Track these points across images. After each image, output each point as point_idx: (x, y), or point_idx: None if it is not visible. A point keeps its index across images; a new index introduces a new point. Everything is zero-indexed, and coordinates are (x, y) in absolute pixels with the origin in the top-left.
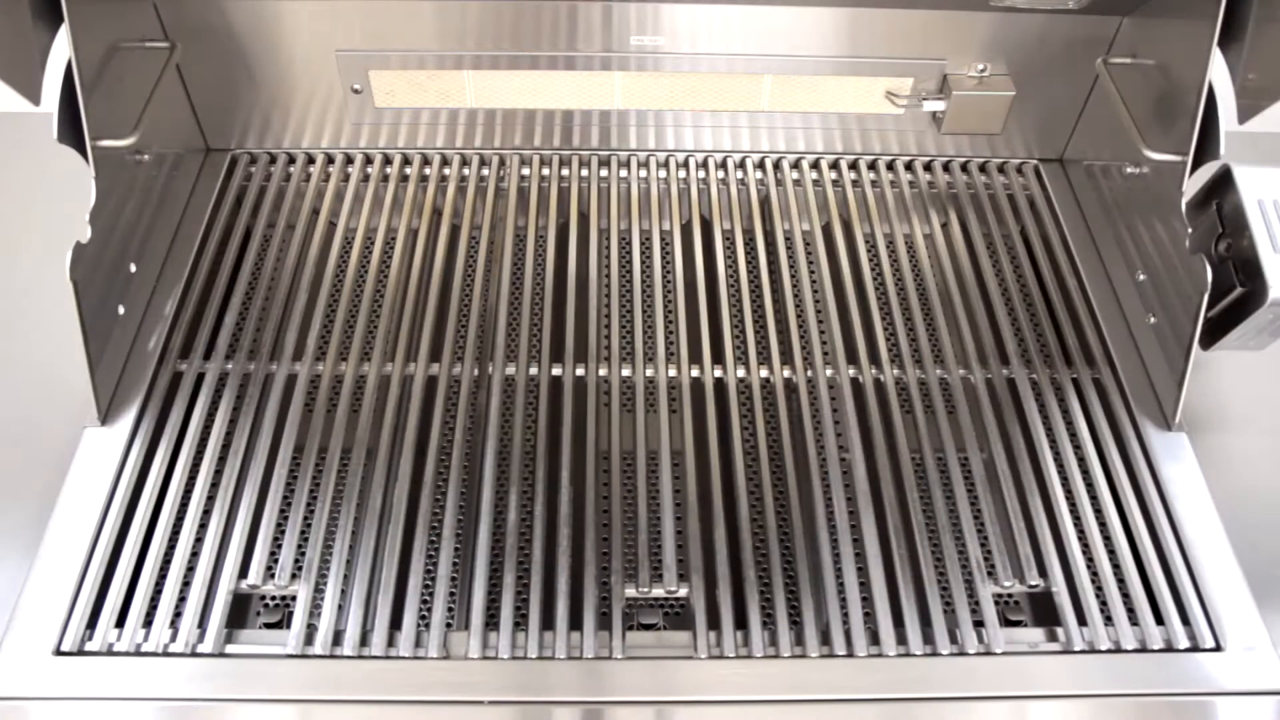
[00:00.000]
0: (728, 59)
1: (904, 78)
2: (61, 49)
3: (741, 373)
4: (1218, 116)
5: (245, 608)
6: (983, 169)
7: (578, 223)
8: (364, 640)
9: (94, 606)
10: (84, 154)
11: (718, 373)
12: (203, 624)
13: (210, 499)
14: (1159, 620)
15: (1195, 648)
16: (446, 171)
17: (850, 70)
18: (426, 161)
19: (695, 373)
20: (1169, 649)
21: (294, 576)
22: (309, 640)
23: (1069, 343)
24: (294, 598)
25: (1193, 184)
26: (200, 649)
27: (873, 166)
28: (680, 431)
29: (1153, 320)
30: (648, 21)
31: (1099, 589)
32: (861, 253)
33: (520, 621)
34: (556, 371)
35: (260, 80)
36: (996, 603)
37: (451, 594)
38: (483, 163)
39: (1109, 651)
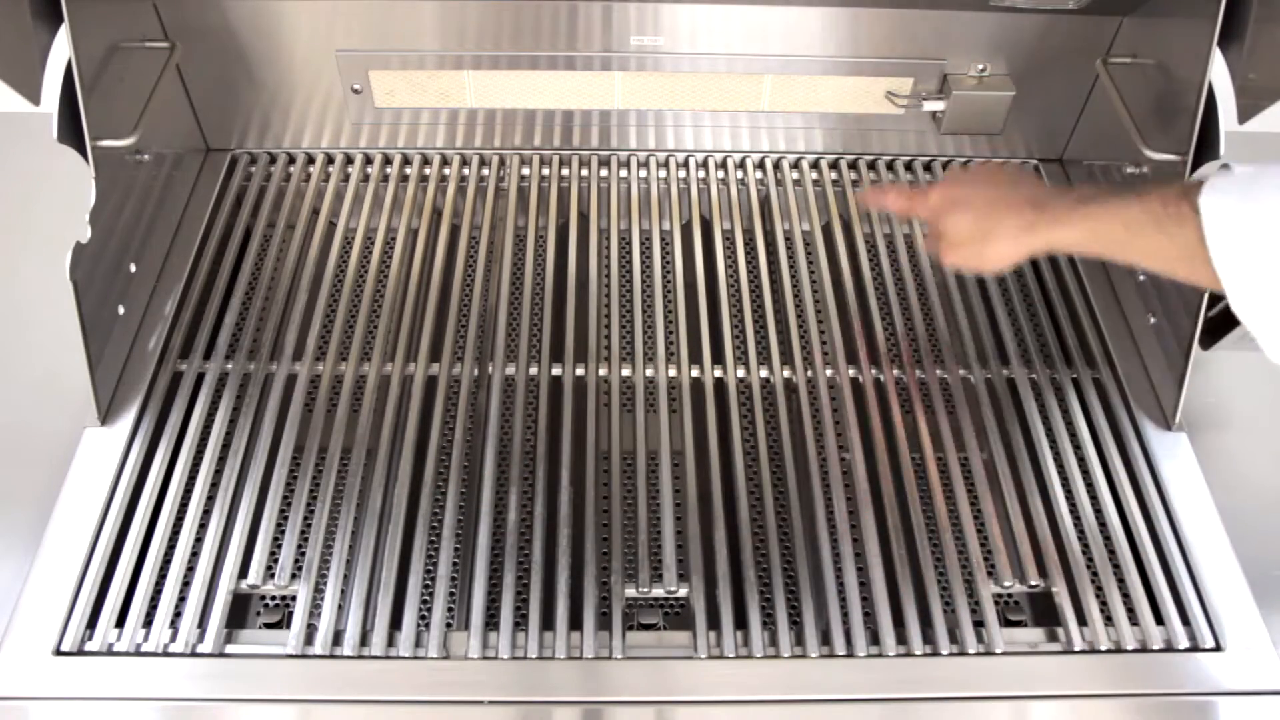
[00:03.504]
0: (728, 59)
1: (904, 78)
2: (61, 49)
3: (741, 373)
4: (1218, 116)
5: (245, 608)
6: None
7: (578, 223)
8: (364, 640)
9: (94, 606)
10: (84, 154)
11: (718, 373)
12: (203, 624)
13: (210, 499)
14: (1159, 620)
15: (1195, 648)
16: (446, 171)
17: (850, 70)
18: (426, 161)
19: (695, 373)
20: (1169, 649)
21: (294, 576)
22: (309, 640)
23: (1069, 343)
24: (294, 598)
25: None
26: (200, 649)
27: (873, 166)
28: (680, 431)
29: (1153, 320)
30: (648, 21)
31: (1099, 589)
32: (861, 253)
33: (520, 621)
34: (556, 371)
35: (260, 80)
36: (996, 603)
37: (451, 594)
38: (483, 163)
39: (1109, 651)
